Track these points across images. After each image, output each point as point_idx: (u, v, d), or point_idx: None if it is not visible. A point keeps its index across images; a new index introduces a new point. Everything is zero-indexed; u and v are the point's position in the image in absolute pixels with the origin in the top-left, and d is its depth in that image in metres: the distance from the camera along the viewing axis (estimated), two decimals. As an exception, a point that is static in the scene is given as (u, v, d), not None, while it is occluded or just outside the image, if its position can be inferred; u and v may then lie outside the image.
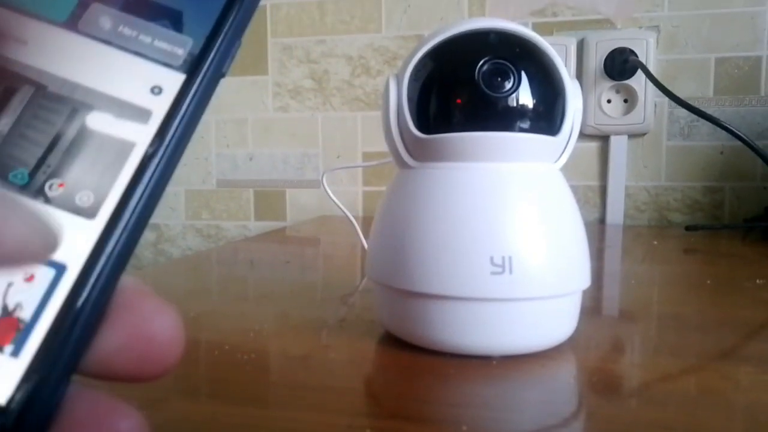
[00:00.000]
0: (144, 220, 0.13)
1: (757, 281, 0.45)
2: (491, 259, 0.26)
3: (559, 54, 0.29)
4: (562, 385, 0.26)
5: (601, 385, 0.25)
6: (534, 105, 0.28)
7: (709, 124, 0.73)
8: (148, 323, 0.12)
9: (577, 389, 0.25)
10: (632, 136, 0.83)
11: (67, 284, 0.12)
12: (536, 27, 0.84)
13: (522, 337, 0.27)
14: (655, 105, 0.81)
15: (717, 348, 0.30)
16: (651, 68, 0.78)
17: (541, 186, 0.28)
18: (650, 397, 0.24)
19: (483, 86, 0.27)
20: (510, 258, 0.26)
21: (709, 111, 0.72)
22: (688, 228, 0.74)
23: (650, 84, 0.76)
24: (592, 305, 0.39)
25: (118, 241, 0.12)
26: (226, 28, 0.14)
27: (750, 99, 0.79)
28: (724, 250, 0.64)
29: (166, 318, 0.12)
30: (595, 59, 0.81)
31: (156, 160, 0.13)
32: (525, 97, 0.27)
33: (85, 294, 0.12)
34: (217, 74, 0.14)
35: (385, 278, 0.29)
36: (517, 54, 0.28)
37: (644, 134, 0.83)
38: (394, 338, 0.30)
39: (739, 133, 0.69)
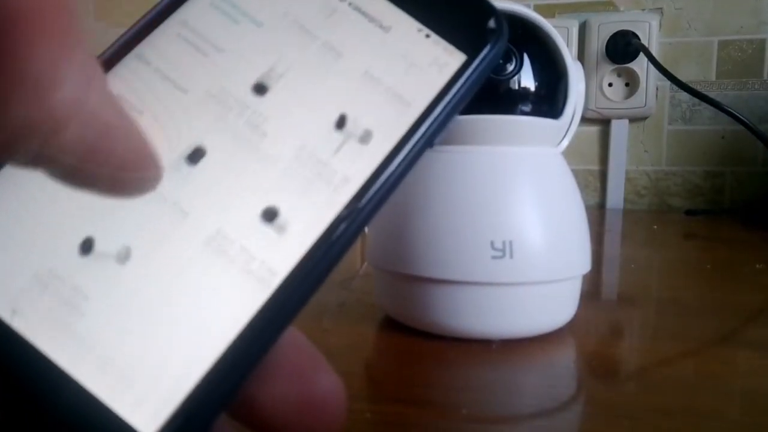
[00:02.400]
0: (321, 279, 0.12)
1: (757, 266, 0.45)
2: (492, 243, 0.26)
3: (561, 36, 0.29)
4: (562, 369, 0.26)
5: (601, 369, 0.25)
6: (536, 88, 0.27)
7: (711, 108, 0.72)
8: (311, 383, 0.12)
9: (577, 373, 0.25)
10: (633, 120, 0.82)
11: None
12: (538, 9, 0.83)
13: (522, 321, 0.27)
14: (657, 89, 0.81)
15: (716, 333, 0.30)
16: (653, 51, 0.77)
17: (542, 170, 0.28)
18: (649, 382, 0.24)
19: (484, 69, 0.27)
20: (510, 242, 0.26)
21: (711, 95, 0.72)
22: (688, 212, 0.74)
23: (652, 67, 0.75)
24: (592, 290, 0.39)
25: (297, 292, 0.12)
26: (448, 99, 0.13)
27: (753, 83, 0.78)
28: (724, 234, 0.64)
29: (328, 378, 0.12)
30: (597, 42, 0.80)
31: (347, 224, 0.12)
32: (527, 79, 0.27)
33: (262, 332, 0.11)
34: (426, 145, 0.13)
35: (386, 263, 0.29)
36: (519, 36, 0.28)
37: (645, 118, 0.82)
38: (394, 322, 0.30)
39: (741, 117, 0.68)
